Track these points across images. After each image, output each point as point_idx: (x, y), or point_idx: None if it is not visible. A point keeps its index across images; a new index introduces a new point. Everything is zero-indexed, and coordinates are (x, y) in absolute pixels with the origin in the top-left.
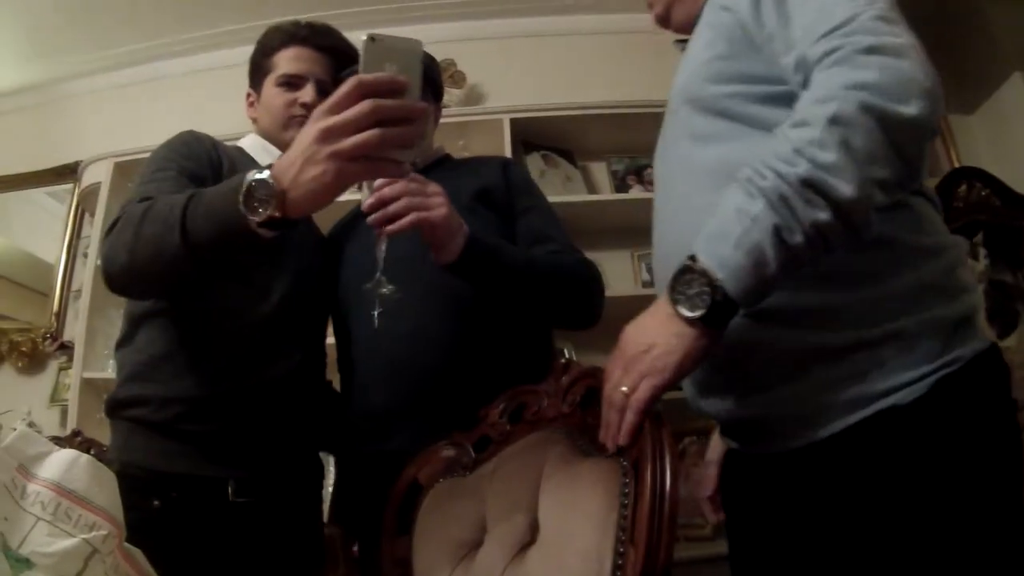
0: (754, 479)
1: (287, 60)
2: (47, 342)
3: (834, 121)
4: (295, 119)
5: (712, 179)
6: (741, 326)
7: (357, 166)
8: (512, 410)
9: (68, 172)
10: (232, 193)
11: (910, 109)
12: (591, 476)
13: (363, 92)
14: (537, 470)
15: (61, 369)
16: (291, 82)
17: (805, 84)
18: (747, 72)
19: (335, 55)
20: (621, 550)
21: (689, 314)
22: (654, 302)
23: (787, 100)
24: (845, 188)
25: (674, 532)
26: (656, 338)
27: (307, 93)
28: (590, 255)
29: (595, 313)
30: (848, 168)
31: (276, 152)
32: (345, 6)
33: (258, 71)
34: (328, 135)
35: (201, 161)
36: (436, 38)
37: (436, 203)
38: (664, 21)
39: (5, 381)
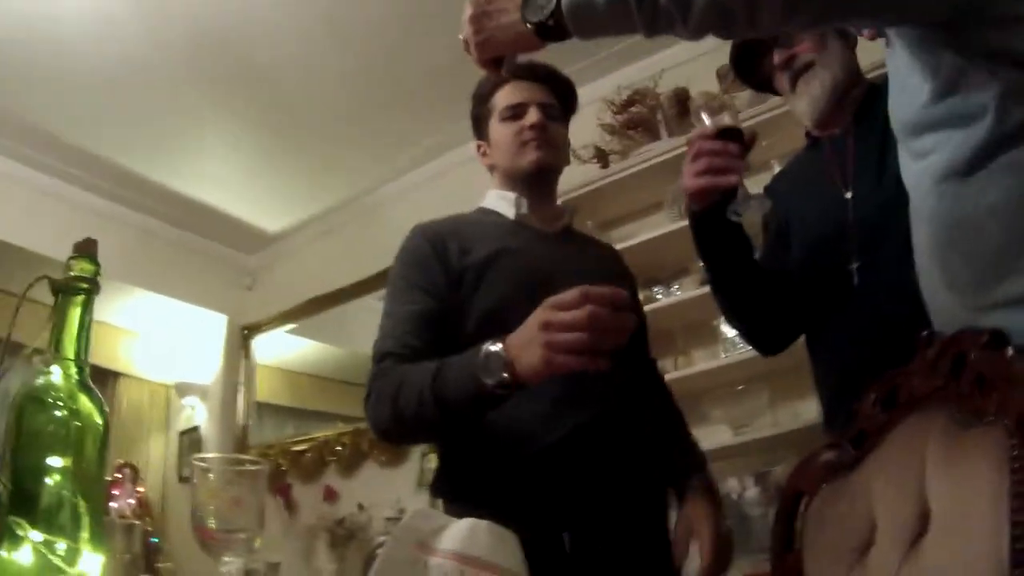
0: None
1: (505, 96)
2: None
3: None
4: (526, 143)
5: None
6: None
7: (564, 358)
8: (884, 397)
9: None
10: (470, 367)
11: None
12: (975, 448)
13: (587, 299)
14: (920, 454)
15: (423, 455)
16: (515, 113)
17: None
18: None
19: (551, 82)
20: (1019, 519)
21: (532, 19)
22: None
23: None
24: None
25: None
26: (506, 17)
27: (532, 115)
28: None
29: None
30: None
31: (511, 197)
32: None
33: (480, 120)
34: (548, 327)
35: (430, 268)
36: None
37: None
38: None
39: (370, 476)
